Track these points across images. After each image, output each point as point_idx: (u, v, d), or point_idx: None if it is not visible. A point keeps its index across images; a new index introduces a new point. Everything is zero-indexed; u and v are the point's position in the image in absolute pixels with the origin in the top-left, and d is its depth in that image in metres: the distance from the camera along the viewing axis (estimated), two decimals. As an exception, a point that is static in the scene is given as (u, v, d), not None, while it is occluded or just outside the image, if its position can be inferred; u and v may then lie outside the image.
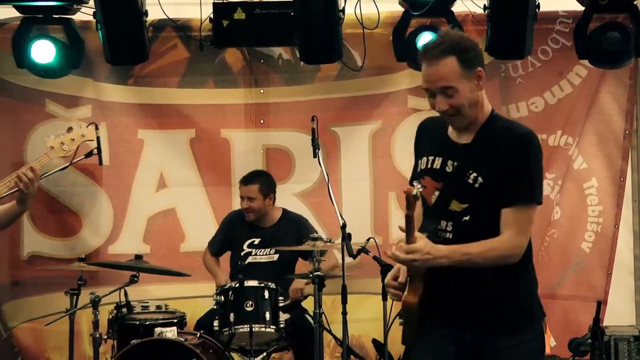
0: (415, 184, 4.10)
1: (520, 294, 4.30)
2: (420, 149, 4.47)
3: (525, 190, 4.19)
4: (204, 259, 7.99)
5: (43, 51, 7.76)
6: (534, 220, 4.24)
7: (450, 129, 4.34)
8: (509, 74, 8.27)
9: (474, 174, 4.19)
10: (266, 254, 7.76)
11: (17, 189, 5.06)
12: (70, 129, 5.39)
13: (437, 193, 4.30)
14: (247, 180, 7.82)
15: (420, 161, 4.41)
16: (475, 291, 4.23)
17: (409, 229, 4.16)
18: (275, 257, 7.71)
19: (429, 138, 4.45)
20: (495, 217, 4.18)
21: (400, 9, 7.61)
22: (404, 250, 4.15)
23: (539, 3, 7.15)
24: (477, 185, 4.19)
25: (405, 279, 4.30)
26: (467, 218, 4.21)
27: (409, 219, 4.12)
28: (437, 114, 4.32)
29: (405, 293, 4.28)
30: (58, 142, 5.33)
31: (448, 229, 4.24)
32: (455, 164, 4.27)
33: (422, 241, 4.16)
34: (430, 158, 4.35)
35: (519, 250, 4.19)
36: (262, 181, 7.81)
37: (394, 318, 5.67)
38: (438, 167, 4.31)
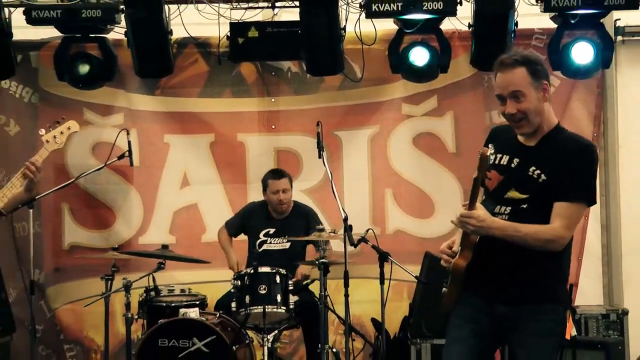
0: (490, 146, 4.19)
1: (549, 276, 4.33)
2: (492, 145, 4.45)
3: (581, 190, 4.27)
4: (220, 237, 7.97)
5: (81, 66, 7.75)
6: (581, 217, 4.39)
7: (520, 134, 4.41)
8: (491, 83, 8.23)
9: (537, 171, 4.28)
10: (279, 243, 7.75)
11: (27, 180, 5.04)
12: (57, 123, 5.37)
13: (498, 184, 4.37)
14: (279, 174, 7.81)
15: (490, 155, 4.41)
16: (512, 269, 4.28)
17: (474, 192, 4.22)
18: (287, 245, 7.69)
19: (499, 139, 4.47)
20: (547, 210, 4.24)
21: (395, 27, 7.59)
22: (463, 214, 4.19)
23: (517, 21, 7.14)
24: (540, 180, 4.26)
25: (457, 248, 4.36)
26: (524, 206, 4.29)
27: (476, 180, 4.19)
28: (503, 122, 4.46)
29: (456, 258, 4.33)
30: (51, 136, 5.34)
31: (506, 212, 4.31)
32: (519, 161, 4.35)
33: (481, 210, 4.22)
34: (499, 155, 4.41)
35: (564, 241, 4.26)
36: (288, 175, 7.83)
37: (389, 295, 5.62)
38: (505, 163, 4.40)
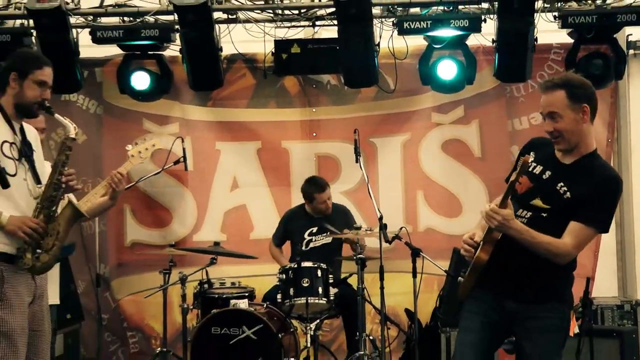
0: (531, 154, 4.22)
1: (557, 279, 4.32)
2: (529, 152, 4.44)
3: (599, 217, 4.23)
4: (270, 250, 7.98)
5: (140, 80, 7.82)
6: (590, 241, 4.31)
7: (557, 150, 4.37)
8: (513, 94, 8.21)
9: (564, 188, 4.23)
10: (322, 239, 7.74)
11: (111, 189, 5.09)
12: (144, 140, 5.41)
13: (527, 190, 4.33)
14: (322, 187, 7.74)
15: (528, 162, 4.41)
16: (527, 271, 4.26)
17: (507, 193, 4.18)
18: (330, 239, 7.68)
19: (537, 150, 4.43)
20: (563, 225, 4.21)
21: (425, 43, 7.58)
22: (493, 209, 4.17)
23: (536, 37, 7.09)
24: (565, 196, 4.22)
25: (480, 239, 4.33)
26: (545, 215, 4.26)
27: (513, 183, 4.15)
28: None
29: (479, 251, 4.29)
30: (136, 150, 5.35)
31: (526, 216, 4.28)
32: (551, 174, 4.31)
33: (509, 210, 4.19)
34: (534, 164, 4.37)
35: (569, 257, 4.25)
36: (327, 183, 7.80)
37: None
38: (537, 172, 4.35)
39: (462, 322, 4.50)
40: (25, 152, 4.50)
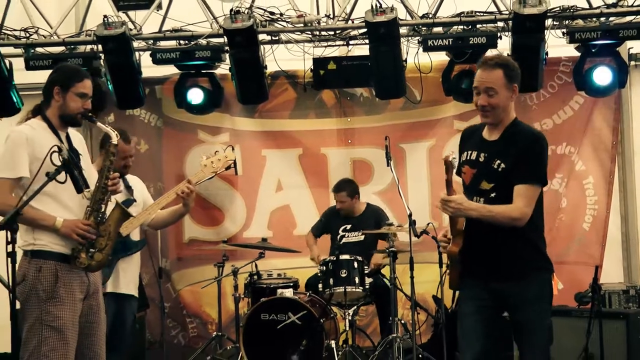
0: (450, 153, 4.19)
1: (526, 252, 4.24)
2: (462, 147, 4.46)
3: (533, 173, 4.18)
4: (307, 238, 7.99)
5: (195, 96, 7.83)
6: (537, 196, 4.20)
7: (484, 131, 4.35)
8: (526, 102, 8.14)
9: (499, 161, 4.20)
10: (355, 236, 7.74)
11: (183, 197, 5.08)
12: (216, 152, 5.41)
13: (472, 177, 4.30)
14: (337, 188, 7.78)
15: (462, 155, 4.40)
16: (495, 249, 4.21)
17: (448, 190, 4.18)
18: (362, 237, 7.66)
19: (469, 139, 4.44)
20: (511, 194, 4.16)
21: (447, 58, 7.54)
22: (443, 199, 4.16)
23: (547, 51, 7.03)
24: (500, 169, 4.19)
25: (451, 235, 4.32)
26: (493, 195, 4.21)
27: (448, 182, 4.17)
28: (475, 124, 4.43)
29: (450, 245, 4.30)
30: (209, 161, 5.36)
31: (480, 202, 4.23)
32: (486, 155, 4.27)
33: (458, 195, 4.19)
34: (469, 152, 4.36)
35: (525, 217, 4.15)
36: (349, 188, 7.79)
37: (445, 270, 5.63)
38: (474, 158, 4.32)
39: (460, 309, 4.49)
40: (72, 158, 4.40)
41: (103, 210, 4.42)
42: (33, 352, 4.17)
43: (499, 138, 4.27)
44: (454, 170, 4.21)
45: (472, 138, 4.41)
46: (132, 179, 5.79)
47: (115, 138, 4.53)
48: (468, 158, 4.34)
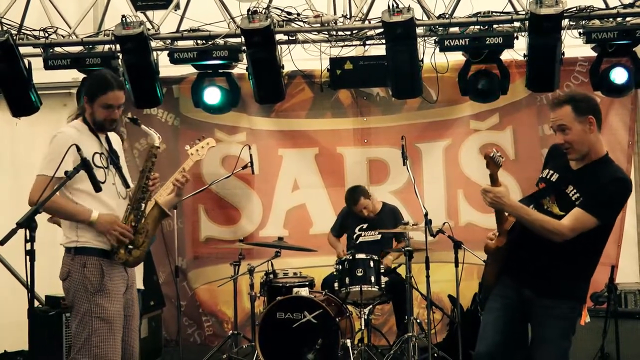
0: (492, 149, 4.23)
1: (572, 275, 4.28)
2: (547, 163, 4.50)
3: (598, 205, 4.15)
4: (329, 239, 8.02)
5: (212, 95, 7.84)
6: (588, 226, 4.17)
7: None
8: (543, 102, 8.12)
9: (574, 191, 4.22)
10: (372, 235, 7.74)
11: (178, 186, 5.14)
12: (198, 140, 5.46)
13: (545, 195, 4.34)
14: (355, 200, 7.76)
15: (544, 171, 4.45)
16: (543, 262, 4.26)
17: (493, 184, 4.27)
18: (378, 237, 7.67)
19: (555, 158, 4.46)
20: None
21: (463, 58, 7.53)
22: (485, 189, 4.25)
23: (563, 51, 7.01)
24: (574, 198, 4.21)
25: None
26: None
27: (491, 176, 4.26)
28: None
29: (493, 241, 4.38)
30: (194, 149, 5.41)
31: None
32: (561, 177, 4.31)
33: (502, 187, 4.22)
34: (551, 172, 4.40)
35: (563, 238, 4.16)
36: (361, 192, 7.79)
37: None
38: (554, 180, 4.35)
39: (488, 304, 4.54)
40: (112, 159, 4.64)
41: (143, 208, 4.66)
42: (85, 343, 4.38)
43: (582, 168, 4.29)
44: (498, 167, 4.22)
45: (559, 158, 4.40)
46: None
47: (157, 140, 4.79)
48: (547, 177, 4.39)
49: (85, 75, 7.57)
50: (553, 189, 4.30)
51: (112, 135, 4.78)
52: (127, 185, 4.70)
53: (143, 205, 4.67)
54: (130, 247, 4.55)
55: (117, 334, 4.47)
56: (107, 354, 4.39)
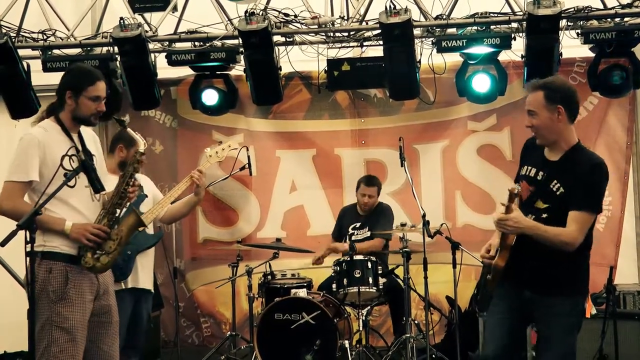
0: (516, 185, 4.23)
1: (570, 271, 4.30)
2: (524, 159, 4.54)
3: (589, 201, 4.22)
4: (331, 245, 8.00)
5: (210, 97, 7.84)
6: (590, 223, 4.26)
7: (546, 149, 4.39)
8: (540, 104, 8.15)
9: (557, 184, 4.25)
10: (362, 233, 7.74)
11: (193, 184, 5.12)
12: (220, 142, 5.47)
13: (529, 193, 4.36)
14: (371, 182, 7.76)
15: (522, 168, 4.48)
16: (540, 263, 4.28)
17: (507, 211, 4.21)
18: (368, 233, 7.66)
19: (531, 152, 4.49)
20: (563, 218, 4.21)
21: (461, 59, 7.54)
22: (501, 218, 4.21)
23: (561, 52, 7.03)
24: (559, 192, 4.24)
25: (495, 251, 4.37)
26: (545, 215, 4.27)
27: (507, 207, 4.20)
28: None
29: (497, 259, 4.35)
30: (214, 151, 5.41)
31: (532, 219, 4.28)
32: (545, 175, 4.32)
33: (516, 212, 4.22)
34: (529, 168, 4.42)
35: (576, 242, 4.21)
36: (378, 185, 7.81)
37: (476, 281, 5.61)
38: (532, 175, 4.38)
39: (491, 307, 4.56)
40: (84, 161, 4.39)
41: (117, 214, 4.43)
42: (44, 352, 4.21)
43: (560, 160, 4.33)
44: (516, 200, 4.24)
45: (534, 152, 4.45)
46: (139, 177, 5.84)
47: (142, 146, 4.57)
48: (527, 174, 4.41)
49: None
50: (541, 189, 4.32)
51: (86, 133, 4.53)
52: (99, 189, 4.44)
53: (118, 210, 4.42)
54: (98, 252, 4.31)
55: (79, 344, 4.27)
56: None
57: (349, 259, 7.04)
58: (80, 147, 4.42)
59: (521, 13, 7.04)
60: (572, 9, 6.98)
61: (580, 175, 4.21)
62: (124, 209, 4.48)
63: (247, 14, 6.97)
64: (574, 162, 4.28)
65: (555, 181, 4.26)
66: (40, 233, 4.20)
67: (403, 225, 7.13)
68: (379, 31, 7.16)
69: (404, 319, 6.84)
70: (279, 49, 7.51)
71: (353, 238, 7.73)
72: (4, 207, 4.26)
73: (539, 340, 4.44)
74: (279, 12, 7.26)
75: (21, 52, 7.51)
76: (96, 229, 4.30)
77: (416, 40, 7.23)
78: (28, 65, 7.57)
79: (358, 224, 7.81)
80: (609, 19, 7.04)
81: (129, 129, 4.62)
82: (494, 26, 7.16)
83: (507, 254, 4.30)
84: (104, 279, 4.47)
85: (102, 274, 4.43)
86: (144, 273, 5.76)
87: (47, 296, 4.23)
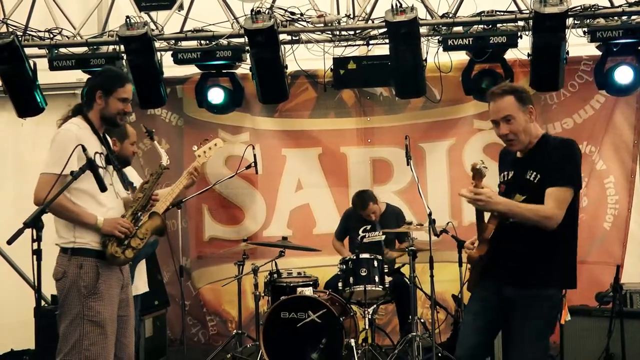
0: (479, 161, 4.18)
1: (549, 262, 4.24)
2: (501, 167, 4.54)
3: (563, 175, 4.20)
4: (333, 243, 8.05)
5: (216, 95, 7.87)
6: (569, 199, 4.21)
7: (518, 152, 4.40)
8: (547, 101, 8.16)
9: (533, 173, 4.25)
10: (375, 235, 7.74)
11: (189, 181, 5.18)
12: (206, 140, 5.48)
13: (504, 191, 4.37)
14: (364, 205, 7.75)
15: (500, 175, 4.49)
16: (518, 255, 4.25)
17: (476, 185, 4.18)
18: (383, 237, 7.68)
19: (505, 159, 4.52)
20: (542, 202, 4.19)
21: (467, 58, 7.54)
22: (474, 191, 4.18)
23: (567, 50, 7.02)
24: (535, 180, 4.24)
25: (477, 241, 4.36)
26: None
27: (475, 185, 4.18)
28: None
29: (474, 250, 4.34)
30: (202, 151, 5.43)
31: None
32: (519, 169, 4.33)
33: (487, 188, 4.19)
34: (505, 172, 4.45)
35: (556, 218, 4.17)
36: (370, 197, 7.80)
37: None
38: (509, 178, 4.40)
39: (467, 307, 4.59)
40: (111, 159, 4.65)
41: (140, 216, 4.68)
42: (74, 345, 4.37)
43: (531, 151, 4.34)
44: (483, 178, 4.20)
45: (509, 157, 4.48)
46: (128, 168, 5.87)
47: (165, 162, 4.88)
48: (505, 179, 4.44)
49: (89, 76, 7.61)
50: (517, 182, 4.32)
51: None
52: (126, 186, 4.76)
53: (140, 213, 4.70)
54: (124, 244, 4.53)
55: (110, 337, 4.44)
56: (97, 358, 4.37)
57: (355, 257, 7.04)
58: (106, 146, 4.66)
59: (527, 11, 7.03)
60: (579, 7, 6.97)
61: (551, 155, 4.22)
62: (147, 213, 4.74)
63: (253, 13, 6.97)
64: (544, 147, 4.30)
65: (530, 170, 4.26)
66: (71, 229, 4.42)
67: (409, 223, 7.13)
68: (385, 30, 7.17)
69: (410, 317, 6.85)
70: (285, 48, 7.51)
71: (365, 240, 7.74)
72: (41, 198, 4.33)
73: (508, 341, 4.39)
74: (285, 10, 7.27)
75: (27, 51, 7.53)
76: (127, 224, 4.54)
77: (422, 39, 7.22)
78: (34, 64, 7.59)
79: (369, 226, 7.81)
80: (615, 17, 7.02)
81: (155, 143, 4.94)
82: (500, 24, 7.15)
83: (484, 247, 4.29)
84: (126, 272, 4.68)
85: (124, 267, 4.65)
86: (141, 279, 5.95)
87: (78, 291, 4.39)
